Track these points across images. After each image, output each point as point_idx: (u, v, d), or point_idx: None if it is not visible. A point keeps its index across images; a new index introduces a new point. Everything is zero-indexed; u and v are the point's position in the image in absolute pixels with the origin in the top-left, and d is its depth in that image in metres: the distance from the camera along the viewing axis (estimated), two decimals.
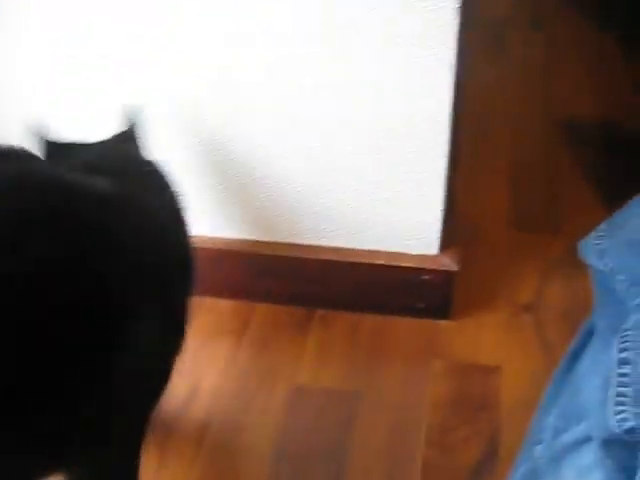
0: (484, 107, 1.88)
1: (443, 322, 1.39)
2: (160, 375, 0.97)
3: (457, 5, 1.08)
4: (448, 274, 1.34)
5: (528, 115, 1.94)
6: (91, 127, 1.09)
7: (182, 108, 1.26)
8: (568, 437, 0.82)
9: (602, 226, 0.84)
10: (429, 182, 1.24)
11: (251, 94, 1.23)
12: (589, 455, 0.76)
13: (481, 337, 1.38)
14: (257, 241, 1.39)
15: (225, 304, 1.44)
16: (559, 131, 1.87)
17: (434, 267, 1.33)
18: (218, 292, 1.43)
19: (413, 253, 1.34)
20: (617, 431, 0.69)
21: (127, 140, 1.11)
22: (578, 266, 0.87)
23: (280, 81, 1.21)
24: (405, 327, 1.39)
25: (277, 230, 1.37)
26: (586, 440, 0.78)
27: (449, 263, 1.34)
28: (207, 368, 1.34)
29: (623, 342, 0.72)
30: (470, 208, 1.57)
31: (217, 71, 1.22)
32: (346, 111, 1.21)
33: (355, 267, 1.36)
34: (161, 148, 1.14)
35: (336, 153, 1.26)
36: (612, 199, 0.93)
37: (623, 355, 0.71)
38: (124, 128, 1.13)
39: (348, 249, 1.36)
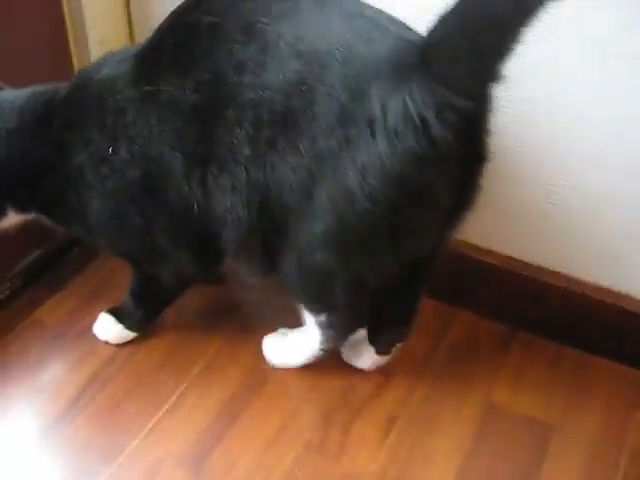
0: None
1: None
2: None
3: None
4: None
5: None
6: None
7: None
8: None
9: None
10: None
11: None
12: None
13: None
14: (477, 246, 1.36)
15: (427, 302, 1.43)
16: None
17: None
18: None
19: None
20: None
21: None
22: None
23: None
24: (610, 370, 1.32)
25: (500, 240, 1.34)
26: None
27: None
28: (400, 362, 1.33)
29: None
30: None
31: None
32: None
33: (573, 297, 1.30)
34: None
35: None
36: None
37: None
38: None
39: (570, 277, 1.31)
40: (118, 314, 1.36)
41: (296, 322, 1.30)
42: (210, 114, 1.03)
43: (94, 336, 1.36)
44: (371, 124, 0.94)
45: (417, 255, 1.09)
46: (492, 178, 1.25)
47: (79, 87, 1.16)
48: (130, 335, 1.36)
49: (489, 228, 1.34)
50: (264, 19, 1.00)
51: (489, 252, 1.36)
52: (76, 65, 1.40)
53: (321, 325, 1.20)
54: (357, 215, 0.99)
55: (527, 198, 1.28)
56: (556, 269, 1.32)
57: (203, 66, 1.03)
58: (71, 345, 1.36)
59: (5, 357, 1.33)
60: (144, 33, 1.41)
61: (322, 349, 1.25)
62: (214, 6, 1.05)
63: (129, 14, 1.41)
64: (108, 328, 1.36)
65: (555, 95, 1.18)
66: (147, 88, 1.08)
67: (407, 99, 0.91)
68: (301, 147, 0.98)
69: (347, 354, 1.31)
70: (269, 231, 1.07)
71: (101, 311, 1.38)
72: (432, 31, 0.92)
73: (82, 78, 1.18)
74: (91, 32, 1.37)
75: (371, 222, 1.00)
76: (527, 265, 1.34)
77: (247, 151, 1.01)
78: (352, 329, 1.25)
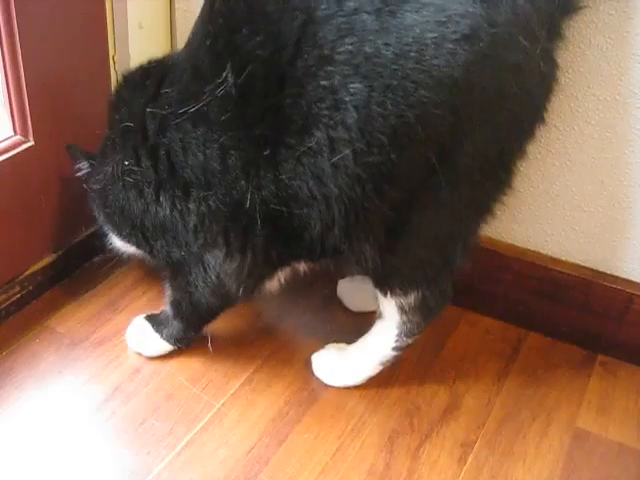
0: None
1: None
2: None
3: None
4: None
5: None
6: None
7: None
8: None
9: None
10: None
11: None
12: None
13: None
14: (555, 258, 1.22)
15: (491, 322, 1.27)
16: None
17: None
18: (488, 308, 1.27)
19: None
20: None
21: None
22: None
23: None
24: None
25: (579, 250, 1.20)
26: None
27: None
28: (470, 383, 1.16)
29: None
30: None
31: None
32: None
33: None
34: None
35: None
36: None
37: None
38: None
39: None
40: (155, 322, 1.18)
41: (346, 338, 1.16)
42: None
43: (114, 347, 1.19)
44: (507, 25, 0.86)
45: None
46: (570, 177, 1.16)
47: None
48: (166, 348, 1.18)
49: (562, 236, 1.21)
50: None
51: (564, 263, 1.22)
52: (112, 47, 1.28)
53: (408, 308, 1.05)
54: (513, 107, 0.92)
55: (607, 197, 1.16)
56: None
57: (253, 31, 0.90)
58: (89, 355, 1.17)
59: (13, 366, 1.14)
60: (186, 17, 1.31)
61: (397, 347, 1.09)
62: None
63: None
64: (142, 337, 1.18)
65: None
66: (191, 110, 0.96)
67: None
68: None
69: None
70: (396, 180, 0.92)
71: (123, 321, 1.21)
72: None
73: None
74: (131, 14, 1.26)
75: (517, 123, 0.95)
76: (606, 275, 1.19)
77: (357, 84, 0.86)
78: (446, 301, 1.09)
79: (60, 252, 1.30)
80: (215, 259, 1.04)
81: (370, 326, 1.13)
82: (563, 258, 1.22)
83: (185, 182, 0.99)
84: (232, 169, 0.95)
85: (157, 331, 1.17)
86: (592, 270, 1.20)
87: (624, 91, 1.08)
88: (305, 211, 0.95)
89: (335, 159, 0.89)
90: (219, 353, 1.19)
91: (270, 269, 1.07)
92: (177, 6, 1.30)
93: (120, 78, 1.10)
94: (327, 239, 0.97)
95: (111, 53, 1.28)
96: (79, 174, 1.16)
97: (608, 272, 1.19)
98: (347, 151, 0.89)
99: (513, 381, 1.18)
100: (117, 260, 1.30)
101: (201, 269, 1.08)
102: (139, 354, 1.18)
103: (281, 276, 1.10)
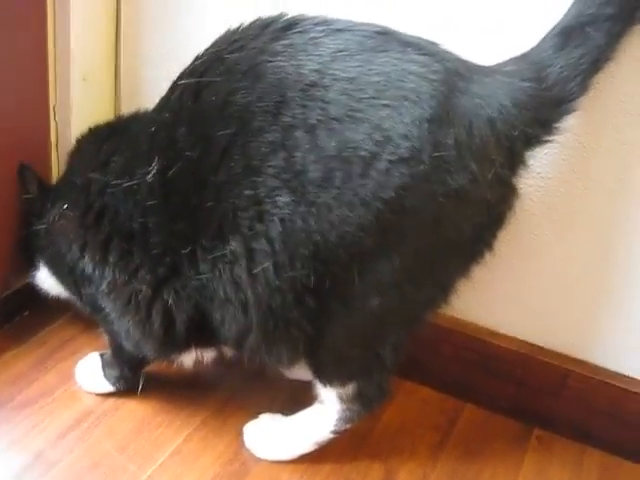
0: None
1: None
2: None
3: None
4: None
5: None
6: None
7: None
8: None
9: None
10: None
11: None
12: None
13: None
14: (493, 331, 1.22)
15: (429, 393, 1.26)
16: None
17: None
18: (426, 378, 1.26)
19: None
20: None
21: None
22: None
23: None
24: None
25: (518, 323, 1.20)
26: None
27: None
28: (406, 457, 1.14)
29: None
30: None
31: None
32: None
33: (601, 390, 1.16)
34: None
35: None
36: None
37: None
38: None
39: (600, 368, 1.17)
40: (103, 361, 1.19)
41: (281, 407, 1.13)
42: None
43: (40, 409, 1.14)
44: (458, 147, 0.83)
45: None
46: (509, 251, 1.16)
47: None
48: (107, 388, 1.18)
49: (501, 309, 1.21)
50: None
51: (502, 336, 1.22)
52: (53, 98, 1.25)
53: (347, 398, 1.03)
54: (442, 240, 0.90)
55: (548, 275, 1.17)
56: (579, 357, 1.18)
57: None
58: (12, 418, 1.12)
59: None
60: (131, 74, 1.30)
61: (335, 431, 1.07)
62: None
63: (117, 51, 1.28)
64: (89, 372, 1.19)
65: None
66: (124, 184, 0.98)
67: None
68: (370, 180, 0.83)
69: None
70: (318, 291, 0.90)
71: (50, 381, 1.18)
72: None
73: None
74: (75, 66, 1.23)
75: (455, 247, 0.92)
76: (544, 350, 1.19)
77: (285, 198, 0.86)
78: (384, 394, 1.07)
79: None
80: (128, 322, 1.04)
81: (306, 396, 1.10)
82: (501, 331, 1.22)
83: (106, 245, 1.00)
84: (154, 247, 0.97)
85: (102, 369, 1.18)
86: (529, 344, 1.20)
87: (565, 169, 1.09)
88: (220, 313, 0.95)
89: (256, 270, 0.89)
90: (149, 419, 1.15)
91: (183, 348, 1.06)
92: (123, 61, 1.29)
93: (87, 130, 1.12)
94: (244, 340, 0.96)
95: (52, 103, 1.26)
96: (26, 197, 1.16)
97: (545, 346, 1.20)
98: (268, 263, 0.88)
99: (449, 455, 1.16)
100: (47, 316, 1.27)
101: (120, 324, 1.06)
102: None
103: (203, 355, 1.09)
